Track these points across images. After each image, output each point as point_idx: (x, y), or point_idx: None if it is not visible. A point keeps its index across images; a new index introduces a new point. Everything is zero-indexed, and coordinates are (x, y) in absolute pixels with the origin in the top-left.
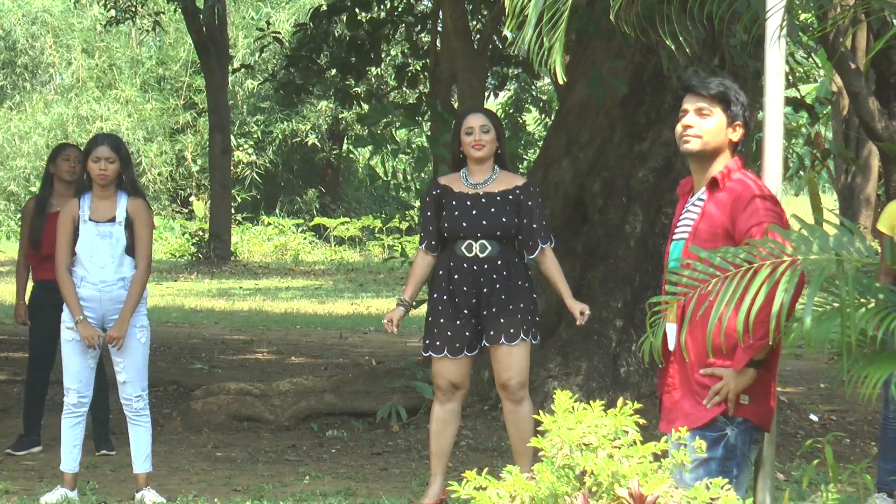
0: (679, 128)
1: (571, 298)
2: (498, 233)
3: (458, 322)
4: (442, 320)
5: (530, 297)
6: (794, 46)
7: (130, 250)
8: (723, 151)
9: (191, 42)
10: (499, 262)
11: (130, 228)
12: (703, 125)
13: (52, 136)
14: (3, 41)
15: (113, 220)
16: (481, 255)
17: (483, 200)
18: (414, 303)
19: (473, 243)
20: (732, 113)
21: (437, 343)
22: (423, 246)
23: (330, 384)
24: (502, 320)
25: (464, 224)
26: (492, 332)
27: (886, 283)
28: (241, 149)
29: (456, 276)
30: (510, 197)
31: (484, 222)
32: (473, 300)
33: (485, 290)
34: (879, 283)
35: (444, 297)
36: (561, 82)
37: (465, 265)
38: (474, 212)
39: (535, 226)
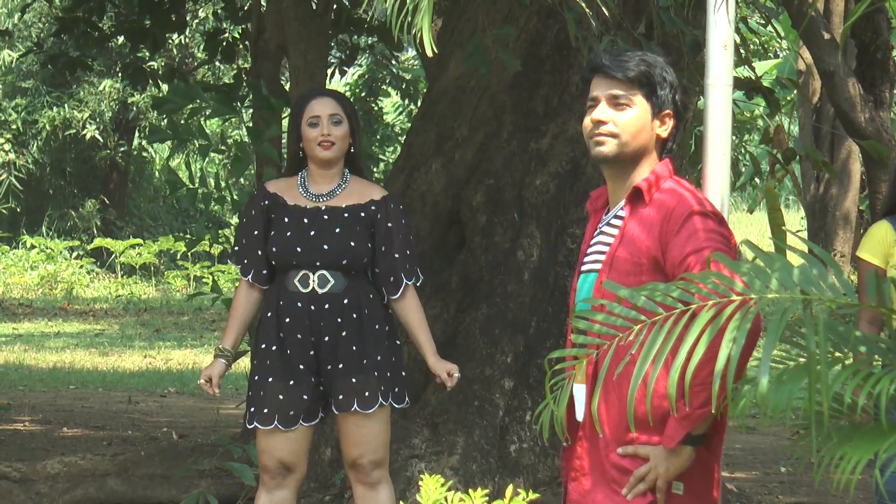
0: (588, 123)
1: (435, 356)
2: (344, 261)
3: (292, 382)
4: (270, 379)
5: (392, 346)
6: (746, 10)
7: None
8: (648, 153)
9: None
10: (345, 301)
11: None
12: (619, 119)
13: None
14: None
15: None
16: (321, 291)
17: (325, 217)
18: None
19: (310, 275)
20: (659, 100)
21: (265, 411)
22: (249, 277)
23: (115, 465)
24: (354, 380)
25: (298, 249)
26: (340, 397)
27: (870, 332)
28: None
29: (287, 320)
30: (362, 214)
31: (325, 247)
32: (311, 352)
33: (326, 338)
34: (860, 331)
35: (274, 349)
36: (430, 55)
37: (299, 304)
38: (312, 232)
39: (396, 255)
